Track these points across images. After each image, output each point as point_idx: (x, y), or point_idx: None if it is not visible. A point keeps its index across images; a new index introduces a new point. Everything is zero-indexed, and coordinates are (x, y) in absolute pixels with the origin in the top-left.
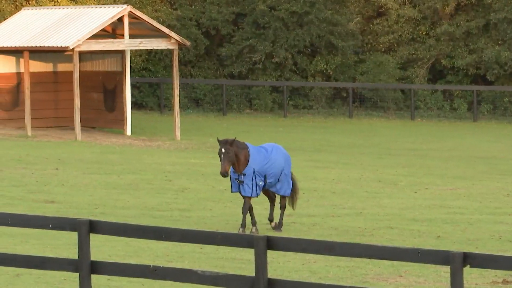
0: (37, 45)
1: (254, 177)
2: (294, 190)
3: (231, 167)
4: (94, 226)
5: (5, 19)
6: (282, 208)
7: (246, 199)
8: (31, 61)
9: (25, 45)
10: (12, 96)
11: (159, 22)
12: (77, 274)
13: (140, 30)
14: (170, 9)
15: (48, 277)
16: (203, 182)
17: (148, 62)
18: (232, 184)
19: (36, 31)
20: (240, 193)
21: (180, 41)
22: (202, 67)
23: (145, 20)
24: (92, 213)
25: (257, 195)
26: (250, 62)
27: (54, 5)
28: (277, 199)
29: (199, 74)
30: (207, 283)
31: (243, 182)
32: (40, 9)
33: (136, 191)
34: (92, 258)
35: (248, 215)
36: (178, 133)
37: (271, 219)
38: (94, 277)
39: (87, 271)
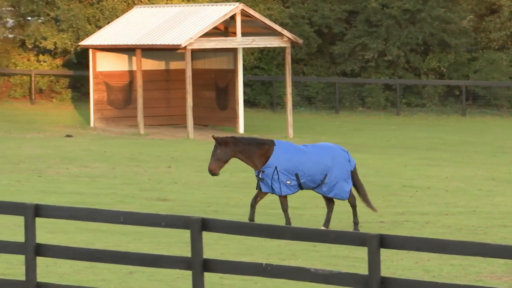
0: (150, 43)
1: (277, 175)
2: (361, 194)
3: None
4: (206, 224)
5: (117, 17)
6: (329, 210)
7: (281, 198)
8: (143, 59)
9: (138, 43)
10: (125, 94)
11: (271, 20)
12: (189, 272)
13: (252, 28)
14: (282, 7)
15: (161, 275)
16: None
17: (260, 60)
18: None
19: (148, 29)
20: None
21: (292, 39)
22: (314, 65)
23: (258, 18)
24: (205, 211)
25: (281, 193)
26: (362, 60)
27: (167, 3)
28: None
29: (311, 72)
30: (320, 281)
31: (263, 179)
32: (152, 7)
33: (248, 189)
34: (205, 256)
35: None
36: (290, 131)
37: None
38: (207, 275)
39: (199, 269)
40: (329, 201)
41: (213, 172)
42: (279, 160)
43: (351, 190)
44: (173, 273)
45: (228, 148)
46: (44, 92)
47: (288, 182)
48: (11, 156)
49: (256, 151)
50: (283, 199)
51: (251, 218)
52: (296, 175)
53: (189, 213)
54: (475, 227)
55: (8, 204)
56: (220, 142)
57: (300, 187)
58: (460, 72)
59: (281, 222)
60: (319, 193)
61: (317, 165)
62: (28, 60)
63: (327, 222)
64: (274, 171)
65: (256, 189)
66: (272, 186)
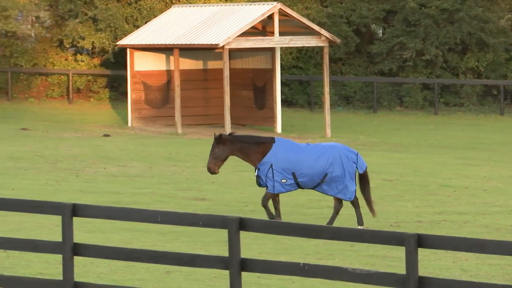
0: (187, 43)
1: (271, 173)
2: (366, 199)
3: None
4: (244, 224)
5: (155, 17)
6: (335, 212)
7: (267, 193)
8: (181, 59)
9: (175, 43)
10: (162, 94)
11: (309, 19)
12: (227, 272)
13: (290, 27)
14: (320, 7)
15: (198, 275)
16: None
17: (298, 59)
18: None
19: (186, 29)
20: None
21: (330, 38)
22: (352, 64)
23: (295, 18)
24: (242, 210)
25: (274, 191)
26: (400, 59)
27: (205, 3)
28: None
29: (349, 71)
30: (357, 281)
31: (259, 176)
32: (190, 6)
33: None
34: (242, 255)
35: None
36: (328, 131)
37: (360, 224)
38: (244, 275)
39: (237, 269)
40: (338, 202)
41: (211, 171)
42: (276, 158)
43: (355, 192)
44: (211, 273)
45: (226, 147)
46: (81, 91)
47: (283, 180)
48: (49, 156)
49: (254, 149)
50: (270, 194)
51: (271, 217)
52: (293, 174)
53: (227, 213)
54: None
55: (46, 203)
56: (218, 141)
57: (299, 186)
58: (498, 72)
59: (318, 221)
60: (320, 192)
61: (316, 165)
62: (66, 59)
63: (330, 222)
64: (269, 169)
65: (257, 185)
66: (266, 182)
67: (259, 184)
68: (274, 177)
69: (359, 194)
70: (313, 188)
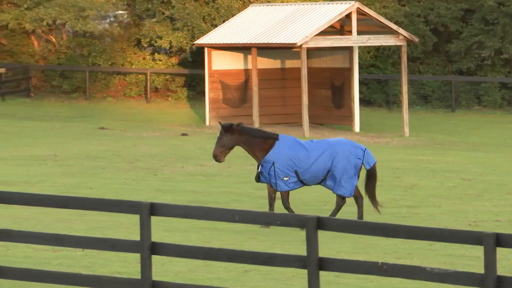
0: (265, 42)
1: (273, 171)
2: (369, 194)
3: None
4: (322, 223)
5: (233, 16)
6: (336, 208)
7: (281, 193)
8: (258, 58)
9: (253, 42)
10: (240, 93)
11: (386, 18)
12: (305, 271)
13: (368, 26)
14: (398, 6)
15: (276, 274)
16: (431, 179)
17: (376, 58)
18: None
19: (263, 28)
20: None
21: (408, 37)
22: (430, 63)
23: (373, 17)
24: (320, 209)
25: (276, 188)
26: (478, 58)
27: (282, 2)
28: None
29: (427, 70)
30: (435, 280)
31: (262, 172)
32: (268, 5)
33: (364, 188)
34: (320, 254)
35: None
36: (406, 130)
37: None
38: (322, 274)
39: (315, 268)
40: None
41: (217, 158)
42: (278, 156)
43: (356, 187)
44: (288, 272)
45: (233, 136)
46: (159, 90)
47: (285, 178)
48: (127, 155)
49: (259, 143)
50: (284, 194)
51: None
52: (296, 172)
53: (305, 212)
54: None
55: (123, 202)
56: (226, 129)
57: (302, 183)
58: None
59: (396, 220)
60: (326, 187)
61: (318, 161)
62: (144, 59)
63: (333, 215)
64: (271, 167)
65: (255, 180)
66: (270, 180)
67: (259, 180)
68: (276, 175)
69: (364, 192)
70: (318, 184)
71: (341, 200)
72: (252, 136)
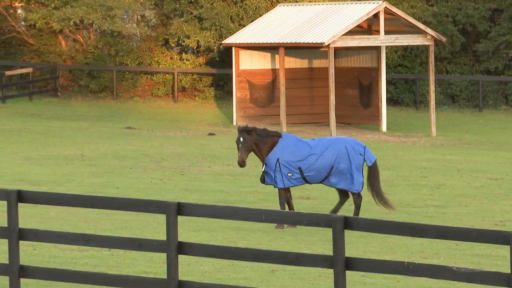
0: (293, 41)
1: (278, 167)
2: (372, 188)
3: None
4: (349, 223)
5: (260, 16)
6: (356, 206)
7: (279, 190)
8: (286, 57)
9: (281, 41)
10: (268, 92)
11: (414, 18)
12: (331, 271)
13: (395, 26)
14: (426, 6)
15: (302, 273)
16: (458, 179)
17: (404, 58)
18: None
19: (291, 27)
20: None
21: (436, 37)
22: (458, 63)
23: (401, 16)
24: (347, 209)
25: (283, 185)
26: (506, 58)
27: (310, 1)
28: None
29: (455, 70)
30: (462, 280)
31: (267, 172)
32: (295, 5)
33: (391, 187)
34: (347, 254)
35: (286, 207)
36: (433, 129)
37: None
38: (349, 273)
39: (341, 268)
40: (343, 195)
41: (244, 163)
42: (282, 152)
43: (362, 184)
44: (315, 272)
45: (252, 138)
46: (187, 90)
47: (289, 174)
48: (154, 154)
49: (265, 143)
50: (282, 191)
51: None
52: (299, 168)
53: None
54: None
55: (150, 202)
56: (249, 132)
57: (306, 180)
58: None
59: (423, 220)
60: (328, 185)
61: (322, 158)
62: (171, 58)
63: (334, 212)
64: (276, 163)
65: (260, 181)
66: (275, 178)
67: (264, 181)
68: (282, 170)
69: (366, 191)
70: (321, 182)
71: (344, 196)
72: (261, 136)
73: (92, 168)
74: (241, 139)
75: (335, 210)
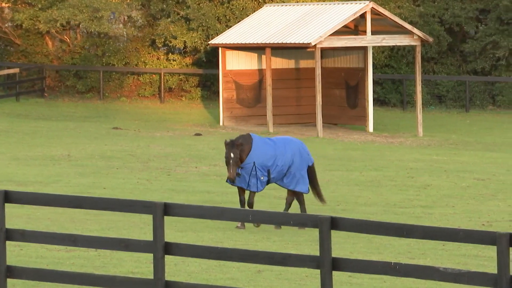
0: (279, 42)
1: (255, 171)
2: (313, 186)
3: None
4: (335, 223)
5: (247, 16)
6: (300, 203)
7: (251, 193)
8: (272, 58)
9: (267, 42)
10: (255, 93)
11: (401, 18)
12: (318, 271)
13: (382, 26)
14: (412, 6)
15: (289, 274)
16: (445, 179)
17: (390, 58)
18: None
19: (278, 28)
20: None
21: (422, 37)
22: (444, 63)
23: (388, 17)
24: (334, 209)
25: (257, 189)
26: (493, 58)
27: (297, 2)
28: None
29: (441, 70)
30: (449, 280)
31: (239, 174)
32: (282, 5)
33: (378, 188)
34: (334, 254)
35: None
36: (420, 130)
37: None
38: (336, 274)
39: (328, 268)
40: (291, 194)
41: (235, 180)
42: (257, 155)
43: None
44: (302, 272)
45: (239, 151)
46: (173, 90)
47: (262, 178)
48: (141, 155)
49: (244, 150)
50: (253, 195)
51: None
52: (268, 171)
53: (319, 212)
54: None
55: (137, 202)
56: (237, 146)
57: (268, 182)
58: None
59: (410, 220)
60: (281, 186)
61: (284, 158)
62: (158, 59)
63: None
64: (253, 167)
65: (230, 182)
66: (248, 182)
67: (233, 183)
68: (257, 174)
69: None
70: (275, 182)
71: (291, 197)
72: (242, 145)
73: (79, 168)
74: (232, 155)
75: (303, 210)
